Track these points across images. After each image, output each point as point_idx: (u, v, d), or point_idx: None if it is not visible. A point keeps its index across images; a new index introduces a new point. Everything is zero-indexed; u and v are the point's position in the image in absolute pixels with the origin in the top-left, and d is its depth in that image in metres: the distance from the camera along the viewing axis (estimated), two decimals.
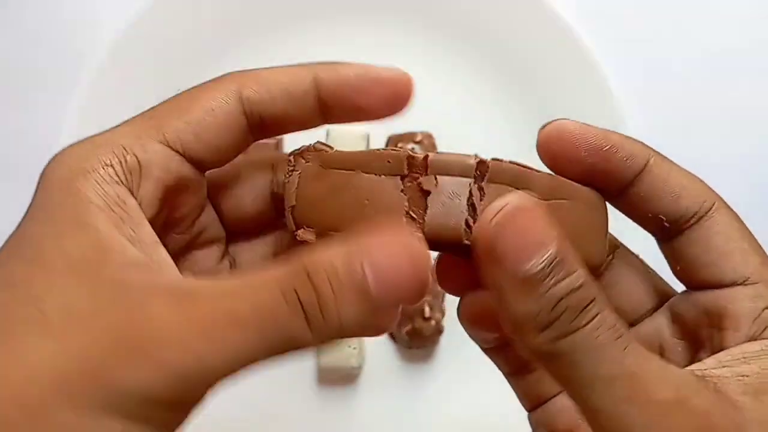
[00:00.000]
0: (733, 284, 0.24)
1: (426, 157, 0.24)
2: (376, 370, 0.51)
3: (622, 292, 0.28)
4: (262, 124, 0.26)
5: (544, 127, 0.25)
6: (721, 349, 0.23)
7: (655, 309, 0.27)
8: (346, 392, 0.51)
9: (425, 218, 0.23)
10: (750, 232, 0.25)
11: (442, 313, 0.50)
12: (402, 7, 0.53)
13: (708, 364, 0.22)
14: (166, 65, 0.52)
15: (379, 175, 0.24)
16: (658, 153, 0.26)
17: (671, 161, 0.26)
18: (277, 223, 0.29)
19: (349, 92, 0.27)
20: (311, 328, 0.21)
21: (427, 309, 0.49)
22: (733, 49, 0.54)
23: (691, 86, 0.54)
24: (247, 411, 0.50)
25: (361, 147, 0.49)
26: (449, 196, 0.23)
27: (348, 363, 0.49)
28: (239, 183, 0.29)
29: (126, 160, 0.23)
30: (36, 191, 0.23)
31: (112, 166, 0.23)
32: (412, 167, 0.24)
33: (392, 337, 0.52)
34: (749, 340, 0.23)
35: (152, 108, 0.25)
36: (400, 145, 0.51)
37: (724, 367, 0.22)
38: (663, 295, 0.28)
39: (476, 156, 0.24)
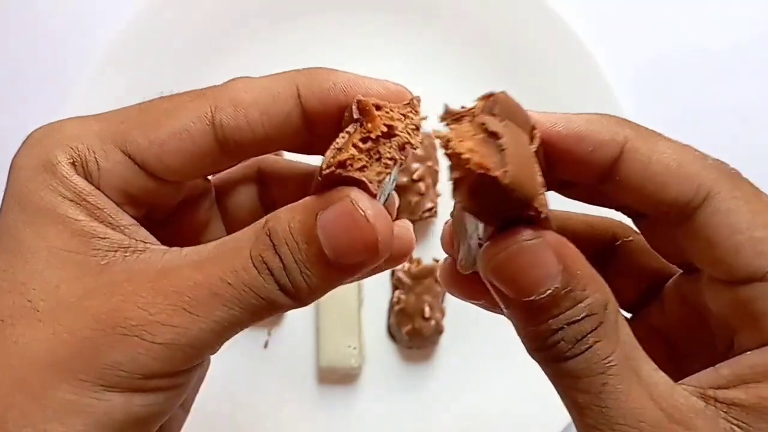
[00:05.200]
0: (749, 280, 0.21)
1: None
2: (376, 370, 0.51)
3: (625, 273, 0.27)
4: (238, 148, 0.24)
5: None
6: (736, 350, 0.22)
7: (658, 288, 0.26)
8: (346, 392, 0.51)
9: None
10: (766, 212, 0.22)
11: (442, 313, 0.50)
12: (402, 7, 0.53)
13: (723, 377, 0.21)
14: (166, 65, 0.52)
15: None
16: (640, 130, 0.23)
17: (657, 137, 0.23)
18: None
19: (334, 109, 0.24)
20: (284, 292, 0.22)
21: (427, 309, 0.49)
22: (732, 45, 0.55)
23: (689, 82, 0.54)
24: (248, 411, 0.50)
25: None
26: None
27: (348, 363, 0.49)
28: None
29: (87, 162, 0.23)
30: (8, 180, 0.24)
31: (74, 164, 0.23)
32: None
33: (392, 337, 0.52)
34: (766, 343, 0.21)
35: (126, 109, 0.25)
36: None
37: (742, 385, 0.21)
38: (666, 274, 0.26)
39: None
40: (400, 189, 0.50)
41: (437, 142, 0.21)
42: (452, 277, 0.27)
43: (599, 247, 0.27)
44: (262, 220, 0.22)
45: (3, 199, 0.24)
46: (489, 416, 0.50)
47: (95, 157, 0.23)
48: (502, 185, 0.19)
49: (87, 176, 0.23)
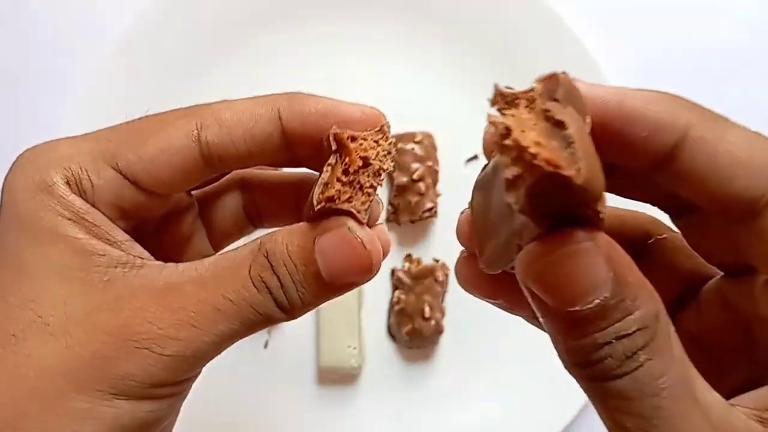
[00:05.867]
0: None
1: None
2: (376, 370, 0.51)
3: (666, 271, 0.25)
4: (222, 163, 0.26)
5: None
6: None
7: (696, 290, 0.24)
8: (346, 392, 0.51)
9: None
10: None
11: (442, 313, 0.50)
12: (402, 7, 0.53)
13: None
14: (166, 66, 0.52)
15: None
16: (706, 114, 0.20)
17: (725, 123, 0.20)
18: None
19: (314, 132, 0.26)
20: (280, 308, 0.24)
21: (427, 309, 0.49)
22: (734, 44, 0.54)
23: (690, 82, 0.54)
24: (248, 411, 0.50)
25: None
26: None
27: (348, 363, 0.49)
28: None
29: (81, 181, 0.25)
30: (3, 201, 0.25)
31: (68, 184, 0.24)
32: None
33: (392, 337, 0.52)
34: None
35: (114, 128, 0.26)
36: (400, 145, 0.51)
37: None
38: (704, 276, 0.24)
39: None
40: (400, 189, 0.50)
41: (491, 129, 0.18)
42: (470, 274, 0.26)
43: (630, 245, 0.24)
44: (257, 242, 0.24)
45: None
46: (489, 416, 0.50)
47: (88, 176, 0.25)
48: (574, 186, 0.16)
49: (82, 194, 0.24)
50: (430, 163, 0.51)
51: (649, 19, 0.55)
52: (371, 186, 0.24)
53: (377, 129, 0.25)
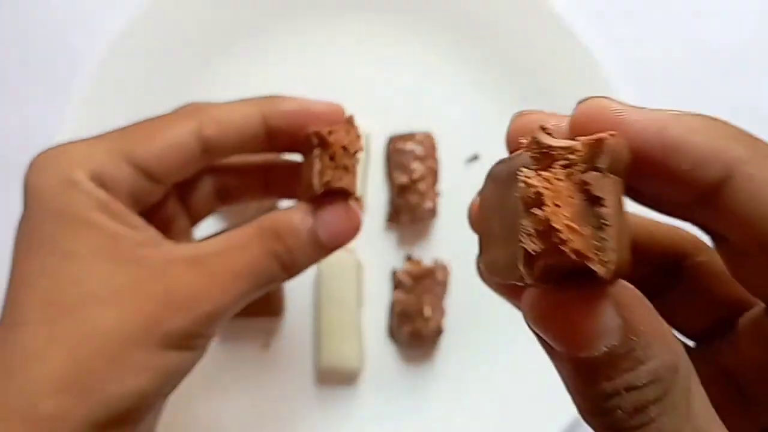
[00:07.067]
0: None
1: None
2: (376, 370, 0.51)
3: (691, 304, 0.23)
4: (217, 155, 0.32)
5: (580, 103, 0.19)
6: None
7: (730, 318, 0.23)
8: (346, 392, 0.51)
9: None
10: None
11: (443, 314, 0.50)
12: (402, 7, 0.53)
13: None
14: (164, 66, 0.52)
15: None
16: (758, 148, 0.18)
17: None
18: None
19: (292, 128, 0.32)
20: (286, 271, 0.31)
21: (427, 309, 0.49)
22: (735, 43, 0.54)
23: (691, 81, 0.54)
24: (248, 411, 0.50)
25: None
26: None
27: (348, 363, 0.49)
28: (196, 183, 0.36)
29: (103, 176, 0.29)
30: (28, 197, 0.29)
31: (92, 179, 0.29)
32: None
33: (392, 337, 0.52)
34: None
35: (123, 129, 0.31)
36: (399, 145, 0.51)
37: None
38: (744, 305, 0.22)
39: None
40: (400, 189, 0.50)
41: (520, 187, 0.16)
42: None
43: (662, 263, 0.23)
44: (258, 222, 0.31)
45: (27, 217, 0.29)
46: (489, 417, 0.49)
47: (109, 171, 0.29)
48: (597, 275, 0.15)
49: (104, 187, 0.29)
50: (430, 164, 0.51)
51: (651, 18, 0.55)
52: (353, 165, 0.31)
53: (346, 120, 0.32)
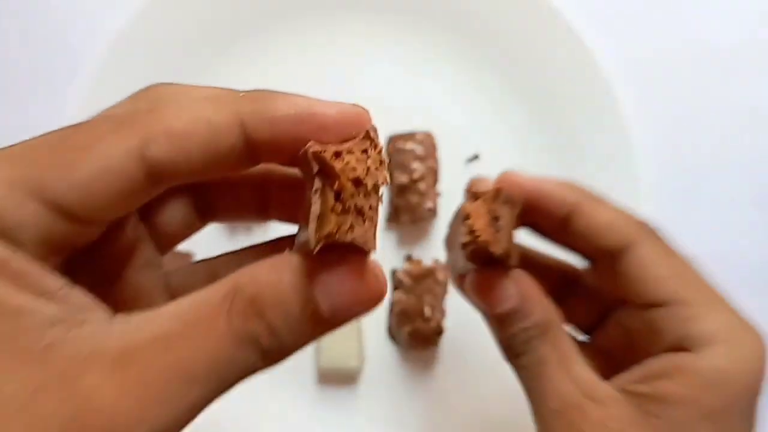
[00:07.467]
0: (653, 306, 0.30)
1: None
2: (376, 370, 0.51)
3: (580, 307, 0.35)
4: (174, 180, 0.22)
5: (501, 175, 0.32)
6: (646, 357, 0.30)
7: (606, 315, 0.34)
8: (346, 392, 0.51)
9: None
10: (673, 258, 0.30)
11: (443, 314, 0.50)
12: (402, 7, 0.53)
13: (635, 376, 0.29)
14: (164, 66, 0.52)
15: None
16: (588, 194, 0.31)
17: (599, 201, 0.31)
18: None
19: (286, 141, 0.22)
20: (265, 360, 0.21)
21: (427, 310, 0.49)
22: (735, 43, 0.54)
23: (691, 81, 0.54)
24: (247, 411, 0.50)
25: None
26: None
27: (348, 363, 0.49)
28: (164, 204, 0.27)
29: (1, 219, 0.20)
30: None
31: None
32: None
33: (392, 337, 0.52)
34: (665, 351, 0.29)
35: (32, 145, 0.21)
36: (399, 145, 0.51)
37: (647, 381, 0.28)
38: (614, 305, 0.34)
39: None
40: (400, 189, 0.50)
41: (460, 209, 0.30)
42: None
43: (565, 278, 0.36)
44: (228, 283, 0.20)
45: None
46: (490, 417, 0.49)
47: (7, 211, 0.19)
48: (495, 254, 0.28)
49: (1, 235, 0.19)
50: (430, 163, 0.51)
51: (651, 17, 0.55)
52: (370, 207, 0.20)
53: (362, 136, 0.21)
